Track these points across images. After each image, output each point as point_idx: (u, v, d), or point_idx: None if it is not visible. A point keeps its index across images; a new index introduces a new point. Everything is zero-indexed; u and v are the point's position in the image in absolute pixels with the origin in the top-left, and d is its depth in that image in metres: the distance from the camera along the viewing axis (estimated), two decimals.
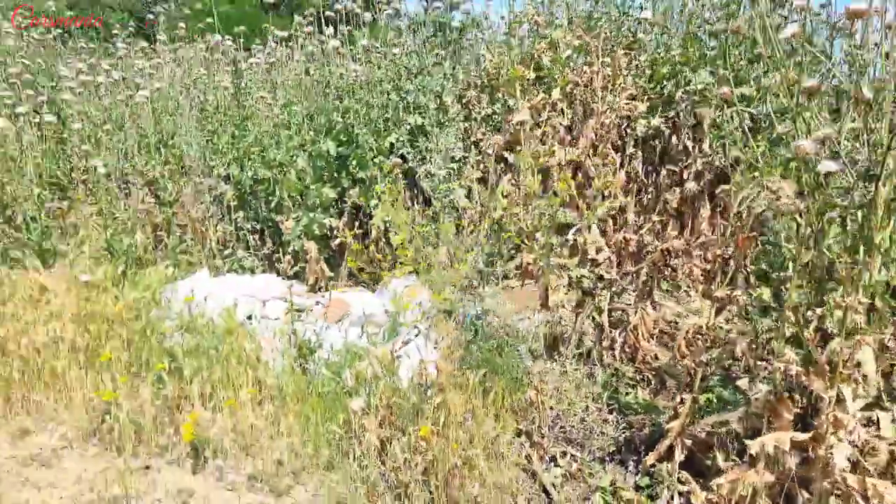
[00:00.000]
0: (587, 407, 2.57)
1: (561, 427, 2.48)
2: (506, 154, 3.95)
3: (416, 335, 2.95)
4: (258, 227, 4.15)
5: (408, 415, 2.25)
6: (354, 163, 4.17)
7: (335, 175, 4.17)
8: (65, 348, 2.67)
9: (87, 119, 4.38)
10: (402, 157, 4.13)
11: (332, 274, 3.97)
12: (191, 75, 4.80)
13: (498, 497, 2.10)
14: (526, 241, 2.98)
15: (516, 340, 2.98)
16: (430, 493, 2.09)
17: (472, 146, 4.30)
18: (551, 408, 2.58)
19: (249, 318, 3.30)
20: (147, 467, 2.35)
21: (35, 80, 5.01)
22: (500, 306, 3.57)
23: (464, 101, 4.53)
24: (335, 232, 4.02)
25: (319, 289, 3.87)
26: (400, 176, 4.06)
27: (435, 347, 2.87)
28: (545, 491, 2.26)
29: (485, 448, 2.20)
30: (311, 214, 3.90)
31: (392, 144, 4.21)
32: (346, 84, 4.31)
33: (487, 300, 3.61)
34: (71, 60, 5.33)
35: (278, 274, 3.94)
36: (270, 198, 4.15)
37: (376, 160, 4.16)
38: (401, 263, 3.80)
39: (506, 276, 3.78)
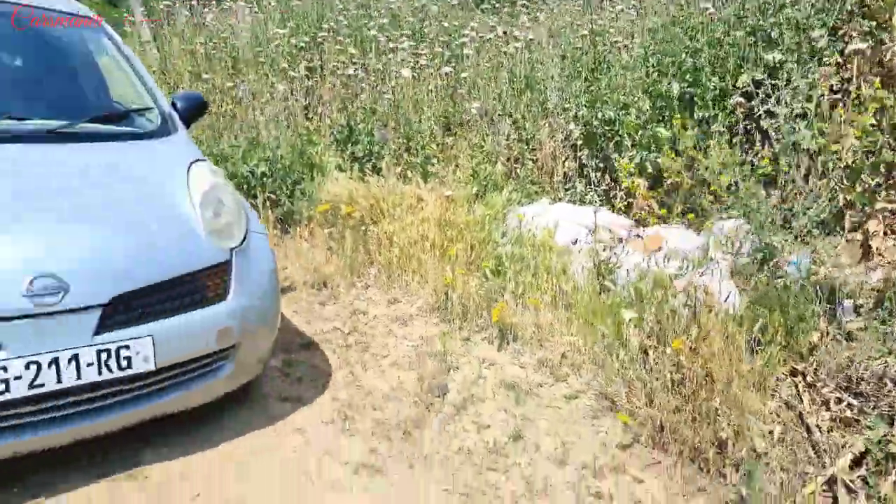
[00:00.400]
0: (887, 362, 2.35)
1: (846, 376, 2.34)
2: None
3: (714, 270, 3.01)
4: (600, 164, 4.52)
5: (670, 331, 2.44)
6: (699, 103, 4.18)
7: (675, 115, 4.25)
8: (427, 244, 3.52)
9: (475, 69, 5.28)
10: (747, 95, 3.99)
11: (661, 211, 4.14)
12: (558, 24, 5.34)
13: (743, 417, 2.17)
14: (845, 182, 2.74)
15: (824, 289, 2.81)
16: (679, 400, 2.28)
17: (845, 83, 3.89)
18: (848, 358, 2.44)
19: (575, 242, 3.75)
20: (467, 339, 3.04)
21: (448, 38, 6.17)
22: (832, 257, 3.32)
23: (839, 32, 4.09)
24: (668, 171, 4.15)
25: (645, 224, 4.09)
26: (742, 116, 3.95)
27: (727, 282, 2.91)
28: (808, 430, 2.22)
29: (742, 375, 2.27)
30: (644, 153, 4.11)
31: (744, 83, 4.08)
32: (697, 24, 4.30)
33: (818, 248, 3.38)
34: (475, 19, 6.38)
35: (612, 208, 4.28)
36: (615, 137, 4.46)
37: (722, 100, 4.10)
38: (729, 206, 3.77)
39: (854, 228, 3.45)
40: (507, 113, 4.85)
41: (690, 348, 2.31)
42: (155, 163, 2.56)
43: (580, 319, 2.88)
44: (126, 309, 2.04)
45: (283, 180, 4.37)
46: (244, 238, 2.37)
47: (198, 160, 2.59)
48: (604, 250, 3.37)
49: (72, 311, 1.95)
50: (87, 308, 1.97)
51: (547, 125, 4.68)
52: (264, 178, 4.35)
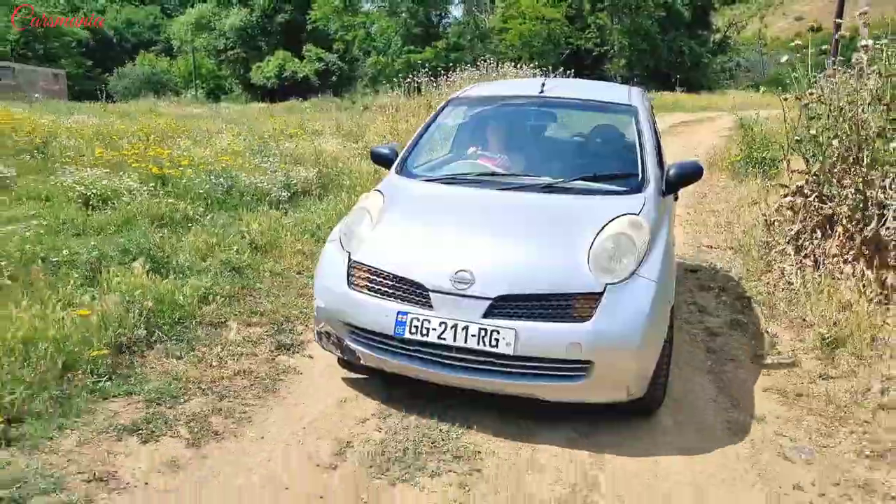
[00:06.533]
0: None
1: None
2: None
3: None
4: None
5: None
6: None
7: None
8: None
9: None
10: None
11: None
12: None
13: None
14: None
15: None
16: None
17: None
18: None
19: None
20: None
21: None
22: None
23: None
24: None
25: None
26: None
27: None
28: None
29: None
30: None
31: None
32: None
33: None
34: None
35: None
36: None
37: None
38: None
39: None
40: None
41: None
42: (600, 211, 3.00)
43: None
44: (505, 306, 2.64)
45: None
46: (625, 279, 2.68)
47: (630, 213, 2.94)
48: None
49: (473, 297, 2.65)
50: (481, 298, 2.65)
51: None
52: None
